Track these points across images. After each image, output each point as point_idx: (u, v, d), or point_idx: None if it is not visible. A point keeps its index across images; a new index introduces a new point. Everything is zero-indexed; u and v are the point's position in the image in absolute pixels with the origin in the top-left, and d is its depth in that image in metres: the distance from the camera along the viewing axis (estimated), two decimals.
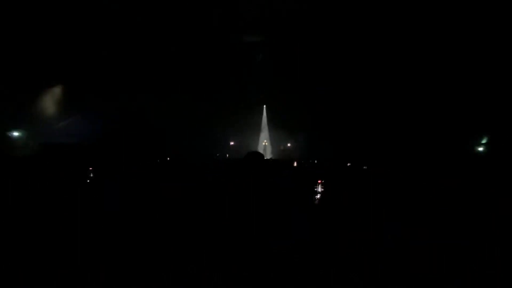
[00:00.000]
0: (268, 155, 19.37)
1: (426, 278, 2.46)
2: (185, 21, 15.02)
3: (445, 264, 2.64)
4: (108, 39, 14.35)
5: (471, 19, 12.62)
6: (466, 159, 13.83)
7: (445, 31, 13.59)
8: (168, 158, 13.19)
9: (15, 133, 13.72)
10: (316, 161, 14.36)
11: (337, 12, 14.51)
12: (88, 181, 4.30)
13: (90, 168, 4.42)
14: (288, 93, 17.96)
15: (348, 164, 11.95)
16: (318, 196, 4.54)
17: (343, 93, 17.64)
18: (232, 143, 18.89)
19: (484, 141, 15.22)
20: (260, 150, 20.09)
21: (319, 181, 4.85)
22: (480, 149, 15.32)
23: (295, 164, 13.02)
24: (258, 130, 20.18)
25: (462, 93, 14.44)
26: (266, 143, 20.18)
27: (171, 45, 16.46)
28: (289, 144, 19.39)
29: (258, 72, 18.07)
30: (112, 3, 13.22)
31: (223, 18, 14.91)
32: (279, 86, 18.06)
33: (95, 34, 13.81)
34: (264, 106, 20.29)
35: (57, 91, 15.16)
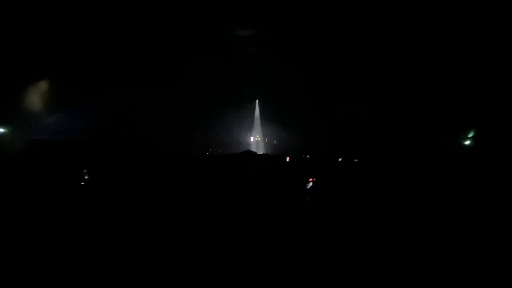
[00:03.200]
0: (260, 150, 19.49)
1: (426, 278, 2.52)
2: (176, 16, 14.83)
3: (444, 264, 2.71)
4: (97, 32, 14.07)
5: (453, 18, 12.81)
6: (454, 153, 14.19)
7: (432, 30, 13.76)
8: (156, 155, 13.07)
9: (0, 129, 13.29)
10: (308, 156, 14.55)
11: (328, 6, 14.52)
12: (82, 183, 4.29)
13: (85, 171, 4.38)
14: (281, 88, 18.02)
15: (339, 159, 12.17)
16: (309, 193, 4.65)
17: (335, 87, 17.79)
18: (224, 138, 18.90)
19: (470, 135, 15.60)
20: (253, 145, 20.18)
21: (311, 179, 4.95)
22: (467, 142, 15.70)
23: (287, 159, 13.16)
24: (250, 125, 20.22)
25: (449, 87, 14.73)
26: (259, 138, 20.26)
27: (161, 40, 16.26)
28: (281, 139, 19.52)
29: (251, 67, 18.04)
30: None
31: (214, 13, 14.77)
32: (272, 81, 18.09)
33: (83, 27, 13.53)
34: (257, 101, 20.30)
35: (44, 84, 14.76)
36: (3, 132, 13.29)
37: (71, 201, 3.74)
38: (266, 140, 20.12)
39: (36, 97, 14.51)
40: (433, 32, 13.83)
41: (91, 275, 2.60)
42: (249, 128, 20.01)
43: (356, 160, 10.26)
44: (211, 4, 14.38)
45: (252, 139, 20.17)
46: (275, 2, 14.47)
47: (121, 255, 2.80)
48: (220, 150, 16.85)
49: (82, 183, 4.35)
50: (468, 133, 15.70)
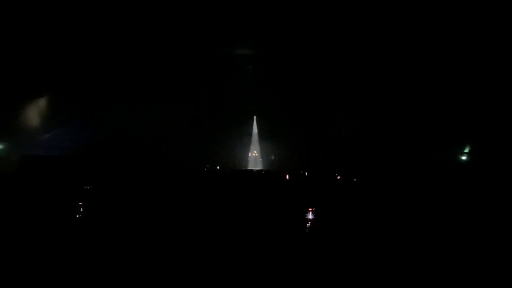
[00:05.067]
0: (258, 166, 19.43)
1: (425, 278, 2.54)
2: (174, 31, 14.97)
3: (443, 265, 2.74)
4: (94, 48, 14.15)
5: (448, 32, 13.02)
6: (450, 168, 14.23)
7: (429, 43, 13.99)
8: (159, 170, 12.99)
9: None
10: (306, 173, 14.47)
11: (325, 25, 14.75)
12: (78, 216, 4.19)
13: (80, 203, 4.30)
14: (279, 104, 18.14)
15: (338, 177, 12.11)
16: (309, 224, 4.55)
17: (332, 103, 17.92)
18: (222, 154, 18.82)
19: (467, 150, 15.69)
20: (251, 161, 20.14)
21: (310, 209, 4.86)
22: (464, 157, 15.78)
23: (287, 177, 13.06)
24: (248, 141, 20.23)
25: (445, 101, 14.87)
26: (256, 154, 20.23)
27: (159, 55, 16.38)
28: (279, 155, 19.47)
29: (249, 83, 18.20)
30: (96, 13, 13.03)
31: (213, 30, 14.95)
32: (269, 97, 18.22)
33: (80, 43, 13.62)
34: (255, 117, 20.39)
35: (41, 100, 14.75)
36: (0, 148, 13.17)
37: (66, 234, 3.66)
38: (264, 156, 20.08)
39: (32, 112, 14.47)
40: (431, 45, 14.03)
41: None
42: (247, 144, 20.02)
43: (355, 179, 10.21)
44: (210, 21, 14.54)
45: (250, 154, 20.15)
46: (275, 18, 14.66)
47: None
48: (218, 167, 16.75)
49: (78, 216, 4.27)
50: (465, 148, 15.81)
